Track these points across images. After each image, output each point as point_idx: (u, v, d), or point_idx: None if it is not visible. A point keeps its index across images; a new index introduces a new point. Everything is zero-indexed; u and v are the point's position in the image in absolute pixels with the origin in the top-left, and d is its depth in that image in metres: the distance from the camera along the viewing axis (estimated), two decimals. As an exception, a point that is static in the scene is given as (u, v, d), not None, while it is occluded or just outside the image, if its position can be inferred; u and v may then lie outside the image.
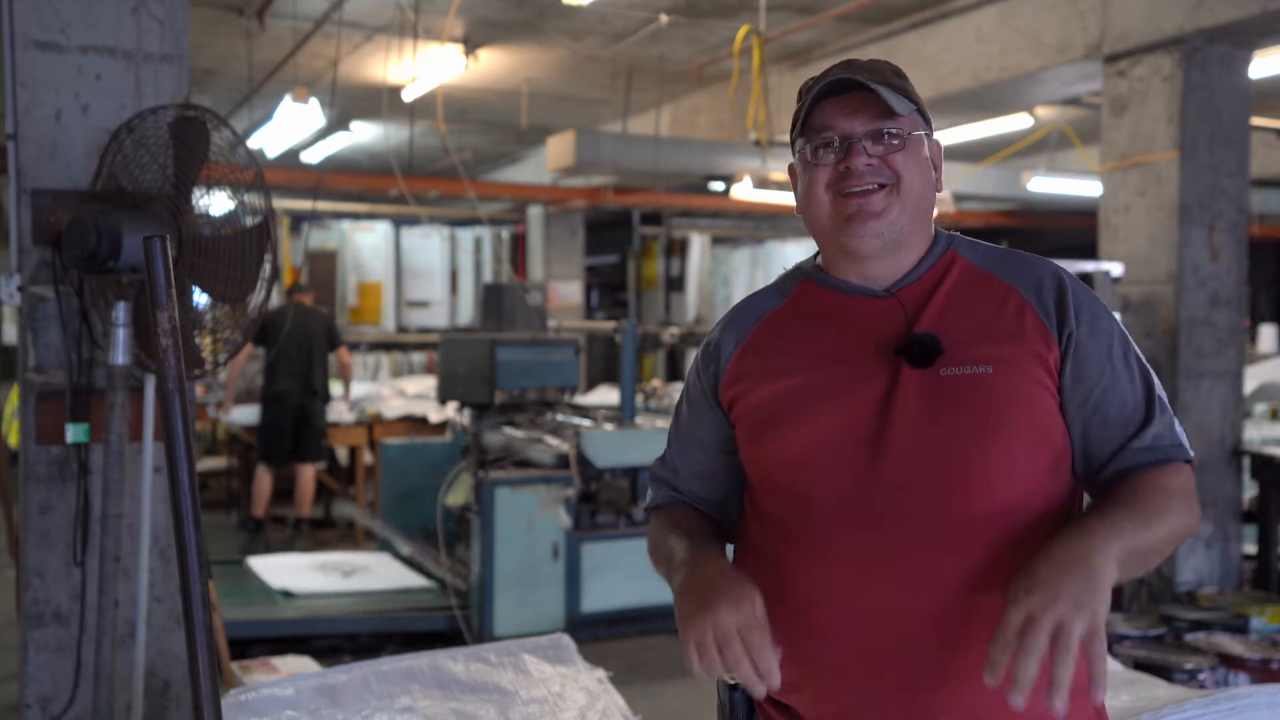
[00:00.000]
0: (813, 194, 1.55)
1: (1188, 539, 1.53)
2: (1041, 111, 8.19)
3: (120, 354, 3.06)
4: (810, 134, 1.55)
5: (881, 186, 1.51)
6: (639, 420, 6.32)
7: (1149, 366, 1.54)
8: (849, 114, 1.52)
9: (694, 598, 1.44)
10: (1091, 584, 1.29)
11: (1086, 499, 1.57)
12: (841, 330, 1.55)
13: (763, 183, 8.61)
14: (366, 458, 8.25)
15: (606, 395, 8.78)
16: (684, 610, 1.44)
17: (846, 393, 1.50)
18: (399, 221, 11.88)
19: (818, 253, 1.65)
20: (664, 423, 6.33)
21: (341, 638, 5.53)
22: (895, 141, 1.51)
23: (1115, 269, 5.69)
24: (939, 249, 1.58)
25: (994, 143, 9.52)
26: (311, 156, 11.09)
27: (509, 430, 6.16)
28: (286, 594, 5.76)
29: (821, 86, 1.53)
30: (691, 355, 10.02)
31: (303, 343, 7.69)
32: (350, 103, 9.43)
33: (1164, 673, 3.79)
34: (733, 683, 1.61)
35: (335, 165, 12.12)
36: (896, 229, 1.52)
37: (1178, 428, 1.52)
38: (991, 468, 1.44)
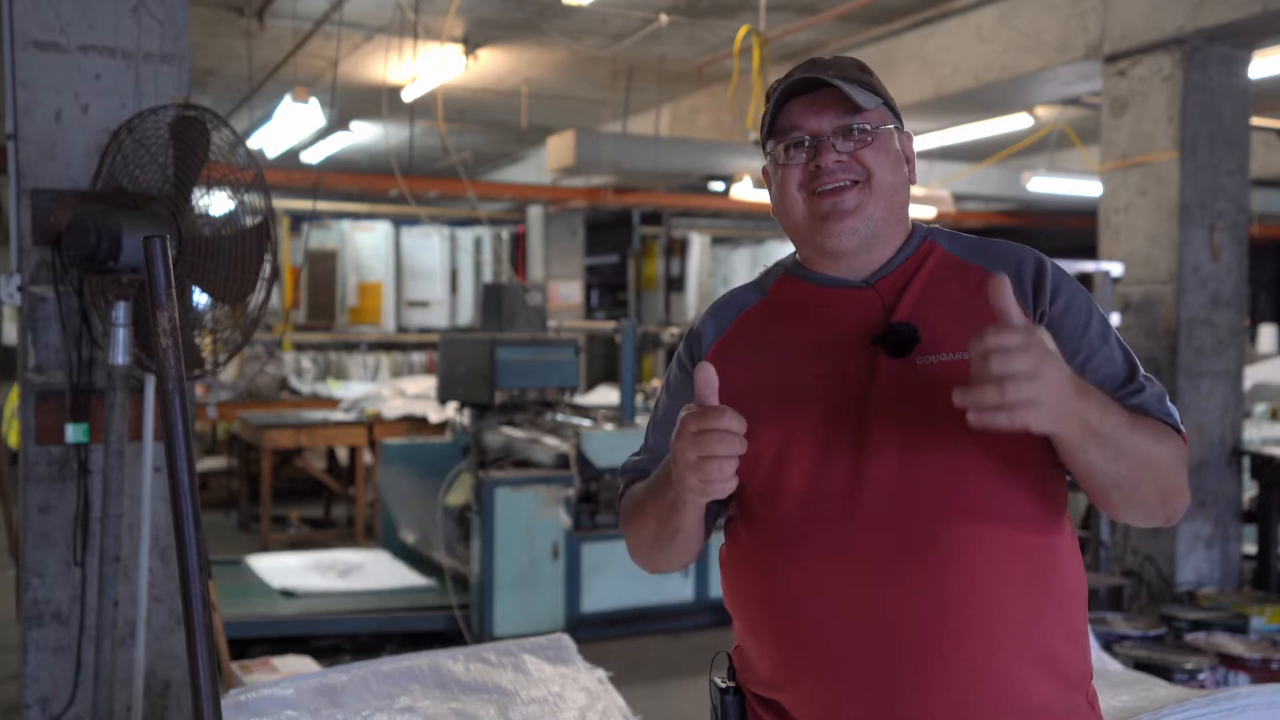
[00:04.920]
0: (786, 194, 1.55)
1: (1180, 516, 1.47)
2: (1041, 111, 8.19)
3: (120, 354, 3.06)
4: (779, 135, 1.55)
5: (854, 183, 1.51)
6: (639, 420, 6.31)
7: (1130, 349, 1.52)
8: (816, 112, 1.52)
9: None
10: (1077, 391, 1.27)
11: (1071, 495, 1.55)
12: (820, 322, 1.55)
13: (762, 183, 8.61)
14: (366, 458, 8.25)
15: (606, 395, 8.77)
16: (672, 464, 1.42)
17: (824, 386, 1.49)
18: (399, 221, 11.88)
19: (795, 251, 1.65)
20: (664, 423, 6.31)
21: (341, 638, 5.53)
22: (864, 136, 1.51)
23: (1115, 269, 5.69)
24: (916, 240, 1.58)
25: (994, 143, 9.53)
26: (311, 156, 11.09)
27: (509, 430, 6.16)
28: (286, 594, 5.76)
29: (786, 87, 1.54)
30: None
31: None
32: (350, 103, 9.43)
33: (1164, 673, 3.79)
34: (724, 685, 1.61)
35: (335, 165, 12.12)
36: (872, 225, 1.52)
37: (1170, 405, 1.49)
38: (970, 458, 1.42)
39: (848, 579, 1.43)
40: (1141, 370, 1.50)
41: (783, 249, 13.48)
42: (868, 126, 1.52)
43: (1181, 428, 1.48)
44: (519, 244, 12.88)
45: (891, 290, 1.53)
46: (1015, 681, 1.41)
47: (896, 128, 1.56)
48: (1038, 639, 1.43)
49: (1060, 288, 1.50)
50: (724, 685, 1.60)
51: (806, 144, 1.53)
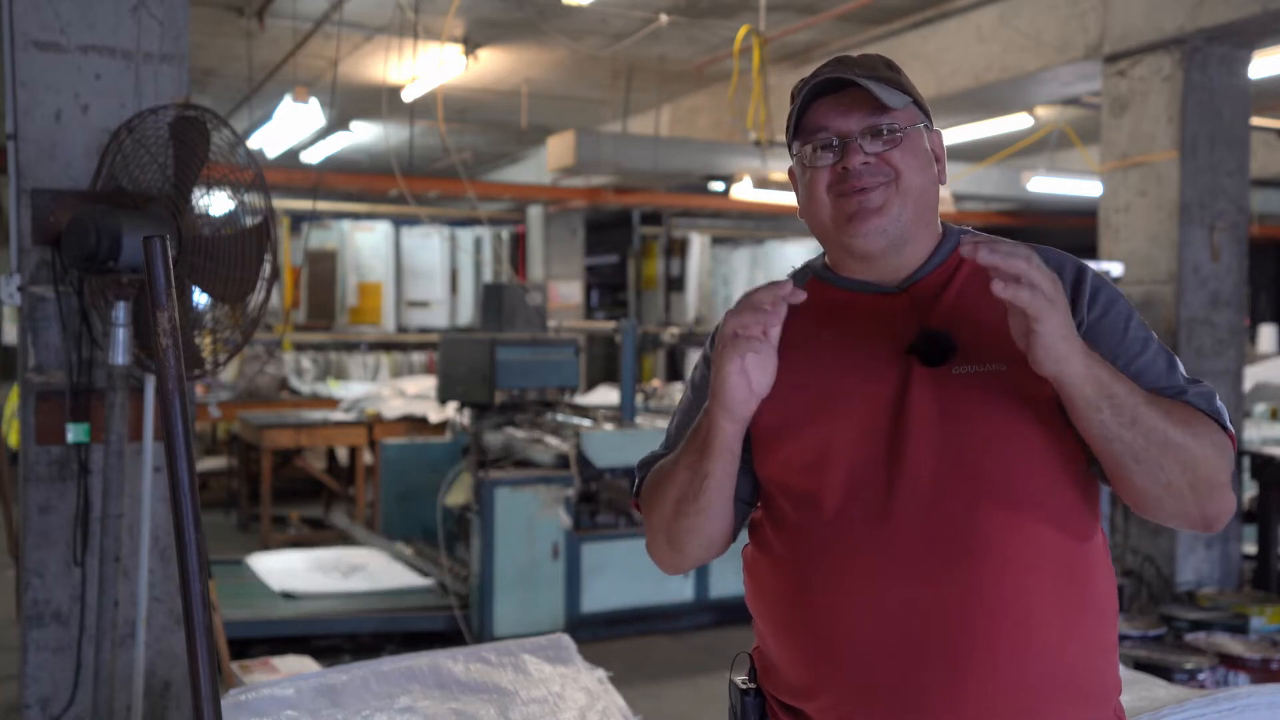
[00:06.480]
0: (813, 196, 1.51)
1: (1224, 520, 1.44)
2: (1041, 111, 8.19)
3: (120, 354, 3.06)
4: (806, 136, 1.51)
5: (881, 184, 1.47)
6: (639, 420, 6.32)
7: (1173, 354, 1.49)
8: (843, 112, 1.49)
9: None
10: (1083, 345, 1.33)
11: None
12: (852, 329, 1.51)
13: (763, 183, 8.61)
14: (366, 458, 8.24)
15: (606, 395, 8.77)
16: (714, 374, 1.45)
17: (859, 394, 1.47)
18: (399, 221, 11.88)
19: (824, 252, 1.61)
20: (664, 423, 6.29)
21: (341, 638, 5.53)
22: (893, 137, 1.48)
23: (1115, 269, 5.68)
24: (949, 244, 1.54)
25: (994, 143, 9.52)
26: (311, 156, 11.09)
27: (509, 430, 6.16)
28: (287, 595, 5.76)
29: (813, 86, 1.50)
30: (691, 355, 10.00)
31: None
32: (350, 103, 9.42)
33: (1164, 673, 3.79)
34: (745, 687, 1.59)
35: (335, 165, 12.11)
36: (900, 225, 1.48)
37: (1218, 401, 1.45)
38: (1005, 470, 1.41)
39: (881, 584, 1.41)
40: (1184, 372, 1.47)
41: (783, 249, 13.49)
42: (896, 127, 1.48)
43: (1229, 426, 1.44)
44: (519, 244, 12.88)
45: (925, 297, 1.50)
46: (1043, 692, 1.39)
47: (926, 126, 1.53)
48: (1068, 649, 1.41)
49: (1099, 294, 1.47)
50: (745, 686, 1.58)
51: (834, 145, 1.49)
